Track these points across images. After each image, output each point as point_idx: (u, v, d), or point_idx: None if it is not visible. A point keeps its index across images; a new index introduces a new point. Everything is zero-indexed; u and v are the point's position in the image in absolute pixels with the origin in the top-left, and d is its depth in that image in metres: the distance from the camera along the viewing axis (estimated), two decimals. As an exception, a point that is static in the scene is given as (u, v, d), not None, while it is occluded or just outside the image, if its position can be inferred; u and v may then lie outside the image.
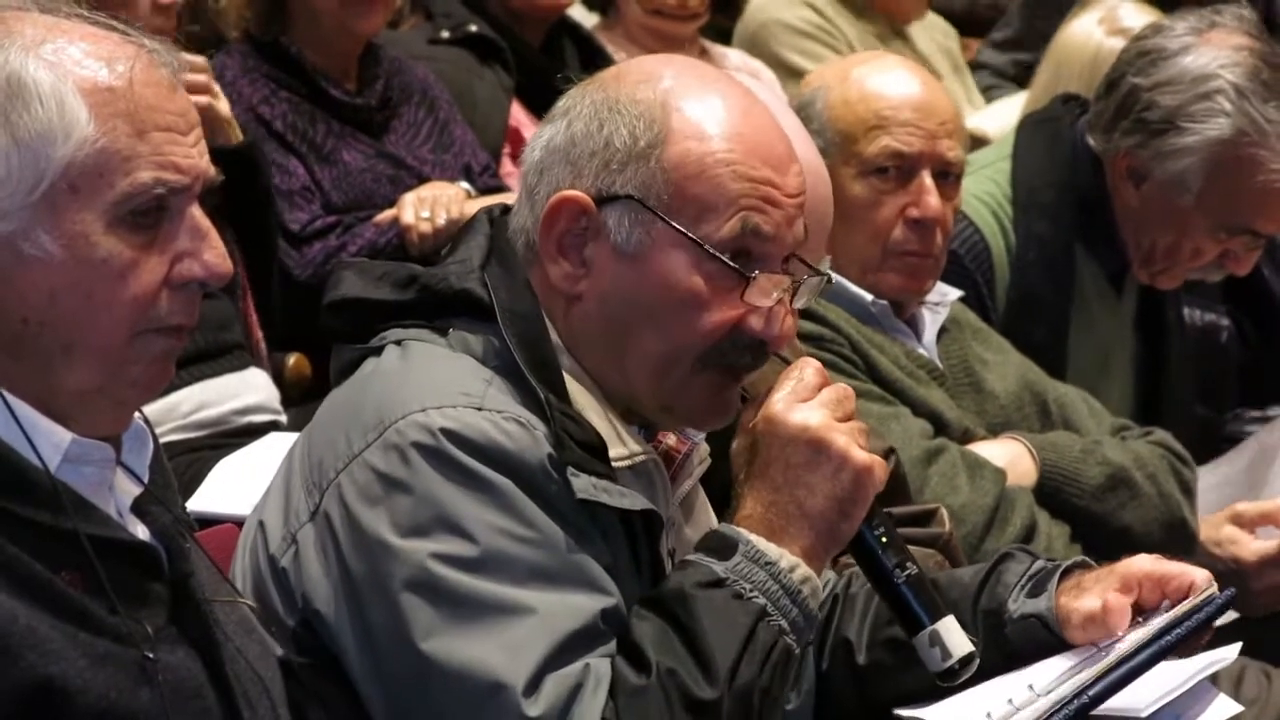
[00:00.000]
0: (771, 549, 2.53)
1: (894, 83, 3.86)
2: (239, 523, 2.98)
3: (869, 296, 3.86)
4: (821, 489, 2.55)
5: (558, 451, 2.49)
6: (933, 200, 3.81)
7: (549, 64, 5.51)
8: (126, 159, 2.19)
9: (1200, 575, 2.77)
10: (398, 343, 2.61)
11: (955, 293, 4.01)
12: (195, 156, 2.24)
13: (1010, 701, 2.64)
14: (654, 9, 5.94)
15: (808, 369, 2.61)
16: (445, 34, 5.44)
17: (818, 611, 2.58)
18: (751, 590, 2.51)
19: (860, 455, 2.56)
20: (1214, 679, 2.81)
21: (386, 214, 4.77)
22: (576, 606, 2.46)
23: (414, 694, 2.45)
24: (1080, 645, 2.76)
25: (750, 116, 2.64)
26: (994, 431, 3.89)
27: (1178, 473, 3.97)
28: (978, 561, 3.41)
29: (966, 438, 3.82)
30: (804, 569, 2.53)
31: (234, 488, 3.83)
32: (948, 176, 3.86)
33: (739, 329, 2.60)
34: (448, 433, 2.47)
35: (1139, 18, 5.26)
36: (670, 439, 2.72)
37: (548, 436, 2.50)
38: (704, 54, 6.01)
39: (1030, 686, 2.66)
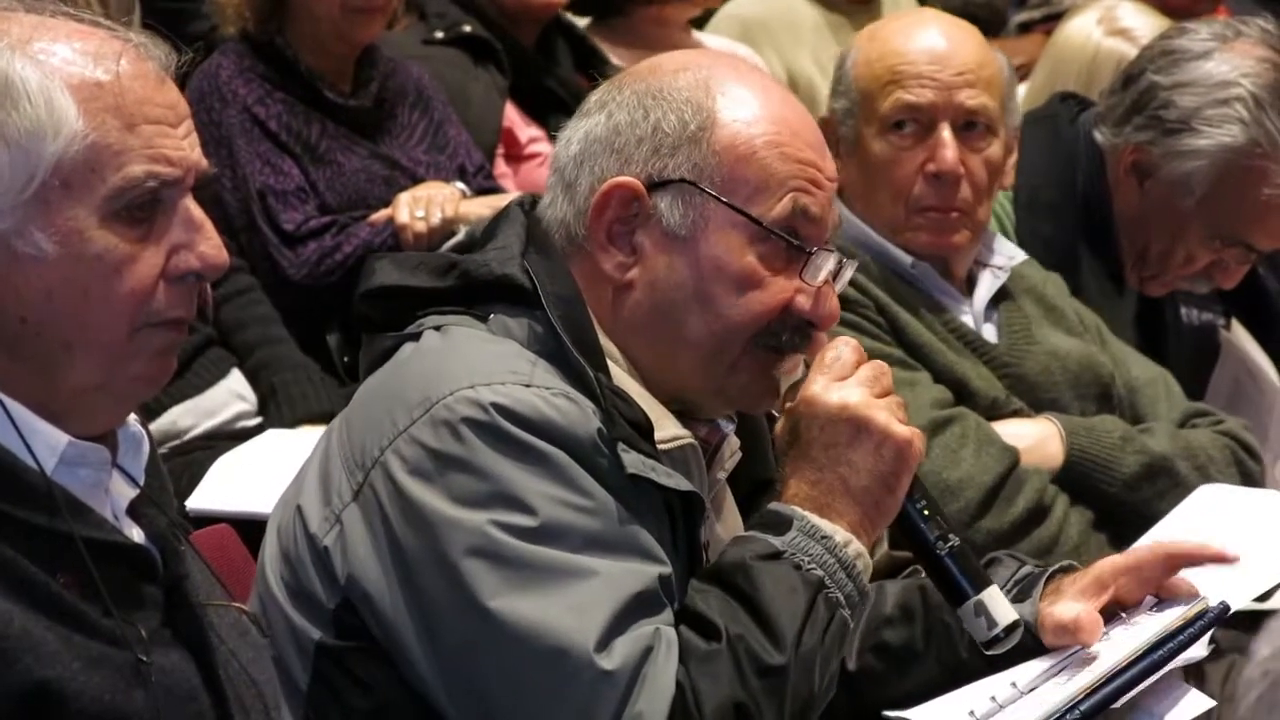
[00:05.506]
0: (825, 524, 2.56)
1: (914, 37, 3.82)
2: (236, 521, 2.97)
3: (908, 259, 3.81)
4: (864, 466, 2.58)
5: (608, 428, 2.50)
6: (949, 153, 3.75)
7: (543, 64, 5.52)
8: (117, 153, 2.18)
9: (1175, 550, 2.84)
10: (436, 328, 2.62)
11: (1020, 255, 3.96)
12: (186, 148, 2.23)
13: (993, 699, 2.67)
14: None
15: (844, 347, 2.65)
16: (439, 34, 5.43)
17: (869, 587, 2.61)
18: (810, 563, 2.53)
19: (900, 429, 2.60)
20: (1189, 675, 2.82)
21: (382, 213, 4.77)
22: (636, 571, 2.48)
23: (477, 660, 2.45)
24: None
25: (788, 101, 2.69)
26: (1040, 408, 3.84)
27: (1240, 463, 3.90)
28: (970, 538, 3.39)
29: (995, 409, 3.77)
30: (856, 544, 2.56)
31: (233, 485, 3.83)
32: (973, 127, 3.80)
33: (788, 309, 2.64)
34: (499, 408, 2.48)
35: (1138, 18, 5.26)
36: (701, 430, 2.72)
37: (596, 413, 2.51)
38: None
39: (1013, 684, 2.70)
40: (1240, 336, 4.72)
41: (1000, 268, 3.90)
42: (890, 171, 3.80)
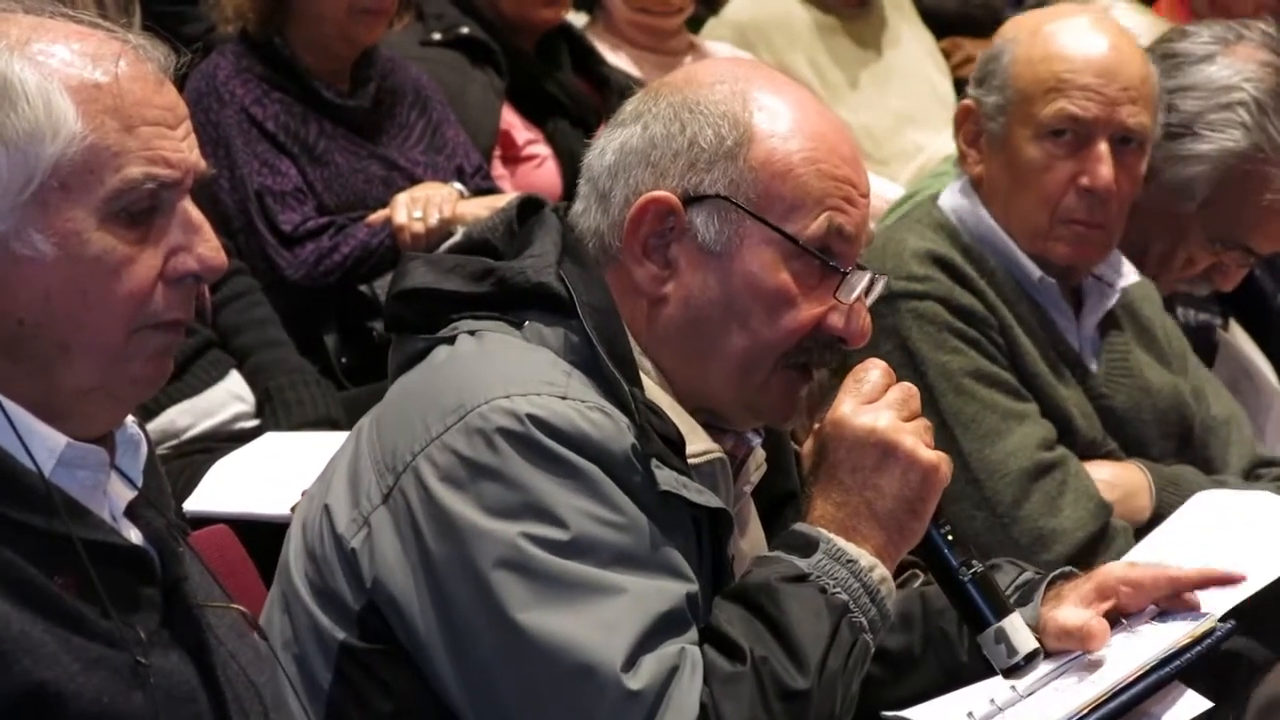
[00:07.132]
0: (851, 548, 2.54)
1: (1080, 43, 3.77)
2: (235, 522, 2.97)
3: (1037, 273, 3.78)
4: (890, 490, 2.57)
5: (641, 443, 2.50)
6: (1104, 170, 3.72)
7: (541, 66, 5.51)
8: (116, 155, 2.18)
9: (1179, 576, 2.85)
10: (471, 333, 2.61)
11: (1133, 276, 3.93)
12: (185, 150, 2.23)
13: (992, 701, 2.68)
14: (640, 6, 5.94)
15: (873, 370, 2.64)
16: (437, 35, 5.43)
17: (892, 611, 2.60)
18: (835, 587, 2.52)
19: (927, 455, 2.58)
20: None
21: (379, 214, 4.77)
22: (665, 589, 2.47)
23: (501, 672, 2.44)
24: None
25: (824, 115, 2.68)
26: (1124, 444, 3.81)
27: None
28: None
29: (1092, 449, 3.75)
30: (881, 569, 2.55)
31: (232, 487, 3.83)
32: (1128, 143, 3.77)
33: (820, 327, 2.63)
34: (534, 419, 2.47)
35: (1133, 19, 5.24)
36: (728, 443, 2.71)
37: (630, 428, 2.51)
38: (693, 48, 6.01)
39: (1013, 687, 2.70)
40: (1238, 337, 4.72)
41: (1111, 285, 3.87)
42: (1040, 178, 3.76)
